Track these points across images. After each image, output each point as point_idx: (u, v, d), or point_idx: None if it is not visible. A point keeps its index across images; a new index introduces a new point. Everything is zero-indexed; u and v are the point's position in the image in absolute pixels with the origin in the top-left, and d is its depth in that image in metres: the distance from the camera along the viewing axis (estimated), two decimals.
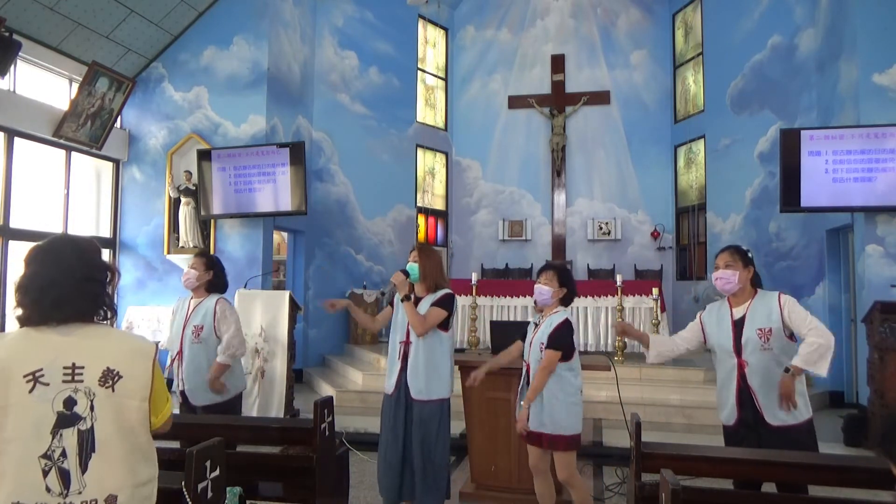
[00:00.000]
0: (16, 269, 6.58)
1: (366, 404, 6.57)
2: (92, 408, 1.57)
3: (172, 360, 3.83)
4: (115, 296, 1.94)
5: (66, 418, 1.55)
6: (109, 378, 1.59)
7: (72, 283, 1.63)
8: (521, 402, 3.32)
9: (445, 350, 3.62)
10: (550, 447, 3.29)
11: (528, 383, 3.34)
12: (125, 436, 1.62)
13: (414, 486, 3.53)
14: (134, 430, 1.64)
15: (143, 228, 7.97)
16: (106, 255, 7.90)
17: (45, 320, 1.60)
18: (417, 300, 3.60)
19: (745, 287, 3.07)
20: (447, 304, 3.53)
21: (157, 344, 1.80)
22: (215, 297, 3.90)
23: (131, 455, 1.63)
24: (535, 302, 3.45)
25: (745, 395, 3.00)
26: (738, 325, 3.04)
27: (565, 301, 3.41)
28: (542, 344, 3.27)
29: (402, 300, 3.51)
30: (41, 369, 1.55)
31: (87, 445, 1.56)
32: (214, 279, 3.90)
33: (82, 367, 1.58)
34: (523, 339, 3.49)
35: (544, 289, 3.34)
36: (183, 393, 3.83)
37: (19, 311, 1.62)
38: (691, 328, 3.28)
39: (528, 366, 3.37)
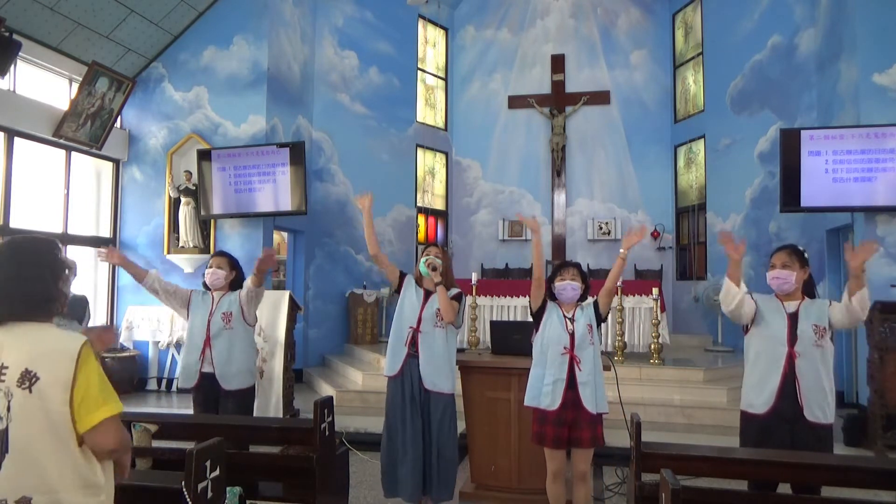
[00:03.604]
0: None
1: (366, 404, 6.58)
2: (9, 408, 1.57)
3: (202, 351, 3.87)
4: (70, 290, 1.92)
5: None
6: (27, 379, 1.58)
7: (6, 284, 1.66)
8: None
9: (455, 344, 3.82)
10: (592, 445, 3.36)
11: (575, 369, 3.34)
12: (46, 439, 1.58)
13: (430, 481, 3.60)
14: (58, 434, 1.58)
15: (143, 228, 7.97)
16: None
17: None
18: (429, 293, 3.75)
19: (798, 288, 3.12)
20: (459, 299, 3.74)
21: (85, 343, 1.65)
22: (236, 293, 4.03)
23: (54, 459, 1.58)
24: (553, 298, 3.49)
25: (788, 387, 3.00)
26: (793, 318, 3.07)
27: (583, 297, 3.52)
28: (591, 325, 3.40)
29: (436, 284, 3.65)
30: None
31: (1, 446, 1.56)
32: (236, 277, 4.07)
33: (6, 368, 1.60)
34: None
35: (575, 284, 3.44)
36: (212, 377, 3.85)
37: None
38: (745, 299, 3.14)
39: (572, 355, 3.34)
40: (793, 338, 3.02)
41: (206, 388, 3.87)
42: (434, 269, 3.66)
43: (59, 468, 1.59)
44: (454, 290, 3.76)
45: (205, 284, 4.08)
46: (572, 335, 3.38)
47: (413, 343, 3.66)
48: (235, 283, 4.05)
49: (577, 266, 3.54)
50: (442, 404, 3.65)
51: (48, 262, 1.73)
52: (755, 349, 3.18)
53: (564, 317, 3.45)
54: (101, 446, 1.63)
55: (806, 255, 3.14)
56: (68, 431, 1.59)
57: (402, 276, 3.85)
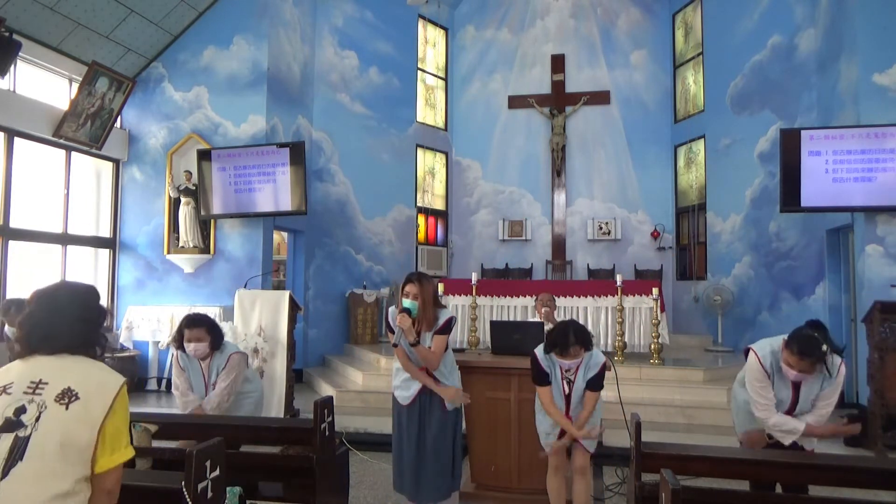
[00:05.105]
0: (16, 269, 6.59)
1: (366, 404, 6.57)
2: (38, 419, 1.59)
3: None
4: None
5: (11, 424, 1.59)
6: (67, 396, 1.63)
7: (62, 323, 1.76)
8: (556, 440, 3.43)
9: (453, 357, 3.78)
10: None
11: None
12: (62, 457, 1.58)
13: (430, 483, 3.58)
14: (74, 456, 1.60)
15: (143, 228, 7.97)
16: (106, 255, 7.91)
17: (34, 352, 1.72)
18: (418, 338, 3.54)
19: None
20: (448, 328, 3.57)
21: (125, 381, 1.75)
22: (222, 354, 3.89)
23: (60, 479, 1.57)
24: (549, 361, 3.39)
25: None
26: (796, 388, 3.05)
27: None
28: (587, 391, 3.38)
29: (412, 345, 3.46)
30: (12, 383, 1.66)
31: (16, 452, 1.56)
32: (215, 340, 3.87)
33: (46, 384, 1.65)
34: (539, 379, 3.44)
35: (575, 361, 3.26)
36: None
37: (17, 347, 1.75)
38: (768, 391, 3.05)
39: (568, 416, 3.41)
40: (792, 409, 3.07)
41: None
42: (409, 323, 3.39)
43: (63, 489, 1.57)
44: (442, 320, 3.54)
45: (182, 349, 3.86)
46: (568, 399, 3.38)
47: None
48: (215, 344, 3.87)
49: (582, 337, 3.24)
50: (453, 411, 3.66)
51: (97, 308, 1.87)
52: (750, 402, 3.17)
53: (563, 377, 3.36)
54: (107, 487, 1.68)
55: (827, 349, 2.87)
56: (87, 458, 1.62)
57: (390, 330, 3.65)
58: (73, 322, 1.77)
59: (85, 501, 1.65)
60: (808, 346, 2.83)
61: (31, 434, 1.58)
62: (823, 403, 3.02)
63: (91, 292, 1.88)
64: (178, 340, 3.85)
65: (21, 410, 1.60)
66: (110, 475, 1.67)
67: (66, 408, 1.61)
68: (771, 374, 3.04)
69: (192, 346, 3.79)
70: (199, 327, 3.81)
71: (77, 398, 1.63)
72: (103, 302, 1.89)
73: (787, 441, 3.04)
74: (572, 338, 3.19)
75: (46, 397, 1.62)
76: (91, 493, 1.66)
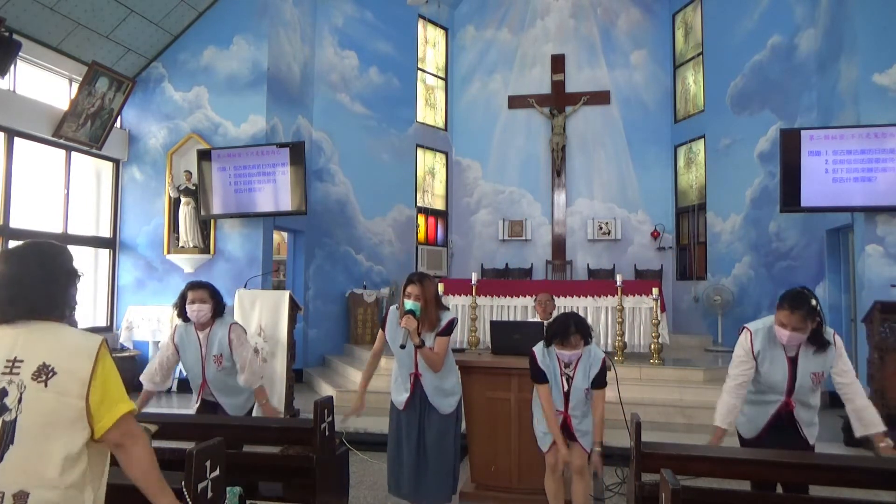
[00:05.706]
0: None
1: (366, 404, 6.57)
2: (20, 400, 1.58)
3: (200, 390, 3.90)
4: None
5: None
6: (43, 373, 1.60)
7: (29, 283, 1.69)
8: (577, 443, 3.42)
9: (453, 359, 3.77)
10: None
11: (567, 433, 3.38)
12: (53, 433, 1.59)
13: (430, 486, 3.59)
14: (66, 428, 1.60)
15: (143, 228, 7.97)
16: (106, 255, 7.91)
17: (2, 316, 1.67)
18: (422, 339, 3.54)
19: None
20: (450, 330, 3.57)
21: (102, 341, 1.71)
22: (222, 323, 3.87)
23: (57, 454, 1.58)
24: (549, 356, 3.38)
25: (781, 424, 3.00)
26: (793, 364, 2.93)
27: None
28: (587, 389, 3.32)
29: (417, 347, 3.45)
30: None
31: (6, 437, 1.56)
32: (217, 306, 3.87)
33: (21, 361, 1.62)
34: (538, 379, 3.39)
35: (575, 352, 3.24)
36: (215, 404, 3.91)
37: None
38: (744, 368, 3.00)
39: (565, 415, 3.35)
40: (791, 388, 2.94)
41: (210, 410, 3.94)
42: (414, 324, 3.40)
43: (63, 464, 1.59)
44: (445, 319, 3.54)
45: (184, 317, 3.85)
46: (567, 396, 3.33)
47: (416, 381, 3.61)
48: (217, 311, 3.87)
49: (581, 328, 3.23)
50: (455, 414, 3.67)
51: (68, 268, 1.80)
52: (740, 378, 3.06)
53: (562, 374, 3.32)
54: (114, 441, 1.68)
55: (817, 306, 2.84)
56: (83, 426, 1.62)
57: (383, 325, 3.69)
58: (41, 281, 1.70)
59: (101, 462, 1.68)
60: (798, 299, 2.81)
61: (16, 417, 1.57)
62: (844, 381, 2.90)
63: (61, 251, 1.81)
64: (181, 306, 3.81)
65: (3, 393, 1.58)
66: (112, 432, 1.66)
67: (45, 385, 1.59)
68: (762, 352, 2.97)
69: (195, 308, 3.75)
70: (203, 289, 3.81)
71: (54, 373, 1.60)
72: (76, 265, 1.85)
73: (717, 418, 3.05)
74: (572, 328, 3.20)
75: (24, 376, 1.59)
76: (116, 449, 1.70)
